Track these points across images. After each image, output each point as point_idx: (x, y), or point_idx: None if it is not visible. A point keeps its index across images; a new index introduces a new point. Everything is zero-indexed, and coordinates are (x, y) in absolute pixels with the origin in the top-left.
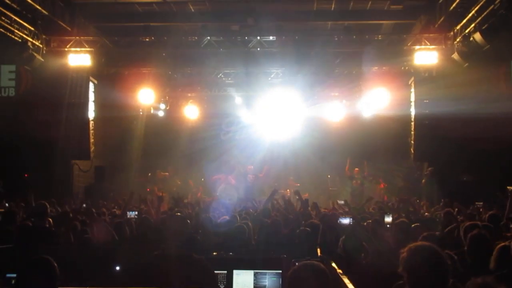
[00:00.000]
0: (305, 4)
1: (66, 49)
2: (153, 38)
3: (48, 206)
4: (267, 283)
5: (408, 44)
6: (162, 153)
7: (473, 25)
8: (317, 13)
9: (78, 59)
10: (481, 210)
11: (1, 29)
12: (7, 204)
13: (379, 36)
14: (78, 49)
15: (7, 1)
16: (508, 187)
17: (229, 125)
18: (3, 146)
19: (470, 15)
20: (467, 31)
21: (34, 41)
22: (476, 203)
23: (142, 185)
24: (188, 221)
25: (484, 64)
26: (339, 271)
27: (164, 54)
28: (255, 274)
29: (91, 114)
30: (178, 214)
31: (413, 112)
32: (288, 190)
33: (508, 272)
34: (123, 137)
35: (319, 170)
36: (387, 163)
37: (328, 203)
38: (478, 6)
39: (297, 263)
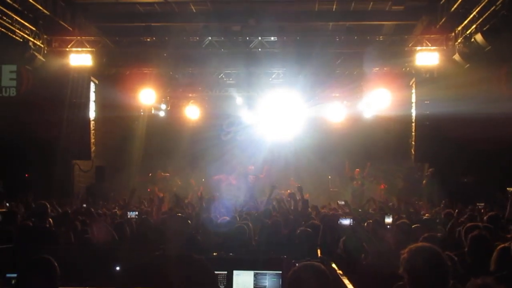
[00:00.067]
0: (306, 5)
1: (67, 49)
2: (154, 38)
3: (48, 206)
4: (267, 284)
5: (410, 45)
6: (163, 153)
7: (474, 26)
8: (319, 13)
9: (79, 59)
10: (482, 211)
11: (2, 29)
12: (7, 204)
13: (381, 37)
14: (79, 49)
15: (9, 1)
16: (508, 188)
17: (230, 125)
18: (3, 146)
19: (471, 16)
20: (468, 32)
21: (35, 41)
22: (477, 204)
23: (142, 185)
24: (189, 221)
25: (485, 65)
26: (339, 271)
27: (165, 54)
28: (255, 275)
29: (92, 114)
30: (179, 214)
31: (414, 113)
32: (288, 190)
33: (508, 274)
34: (124, 137)
35: (319, 170)
36: (387, 163)
37: (328, 204)
38: (480, 7)
39: (297, 264)
